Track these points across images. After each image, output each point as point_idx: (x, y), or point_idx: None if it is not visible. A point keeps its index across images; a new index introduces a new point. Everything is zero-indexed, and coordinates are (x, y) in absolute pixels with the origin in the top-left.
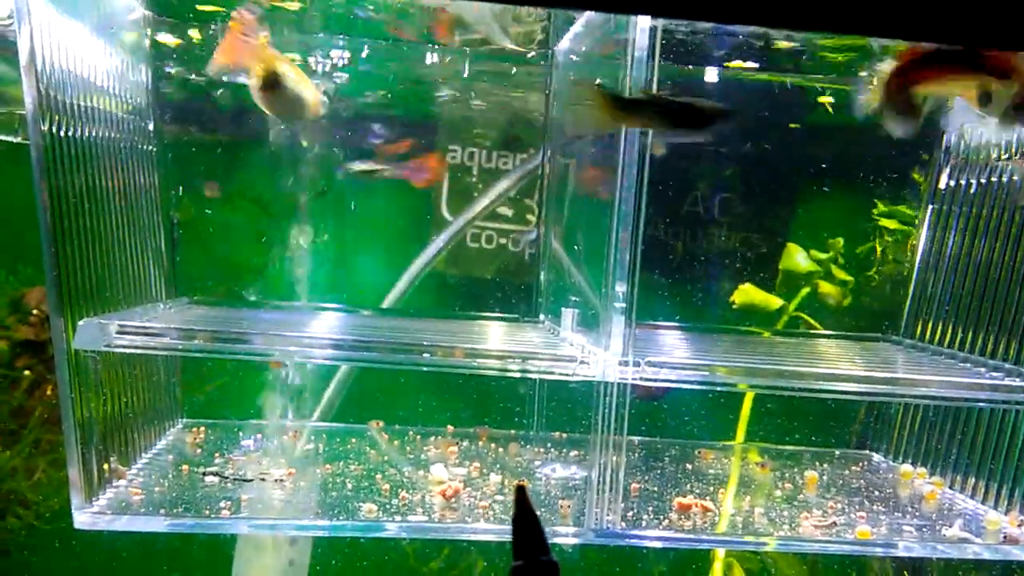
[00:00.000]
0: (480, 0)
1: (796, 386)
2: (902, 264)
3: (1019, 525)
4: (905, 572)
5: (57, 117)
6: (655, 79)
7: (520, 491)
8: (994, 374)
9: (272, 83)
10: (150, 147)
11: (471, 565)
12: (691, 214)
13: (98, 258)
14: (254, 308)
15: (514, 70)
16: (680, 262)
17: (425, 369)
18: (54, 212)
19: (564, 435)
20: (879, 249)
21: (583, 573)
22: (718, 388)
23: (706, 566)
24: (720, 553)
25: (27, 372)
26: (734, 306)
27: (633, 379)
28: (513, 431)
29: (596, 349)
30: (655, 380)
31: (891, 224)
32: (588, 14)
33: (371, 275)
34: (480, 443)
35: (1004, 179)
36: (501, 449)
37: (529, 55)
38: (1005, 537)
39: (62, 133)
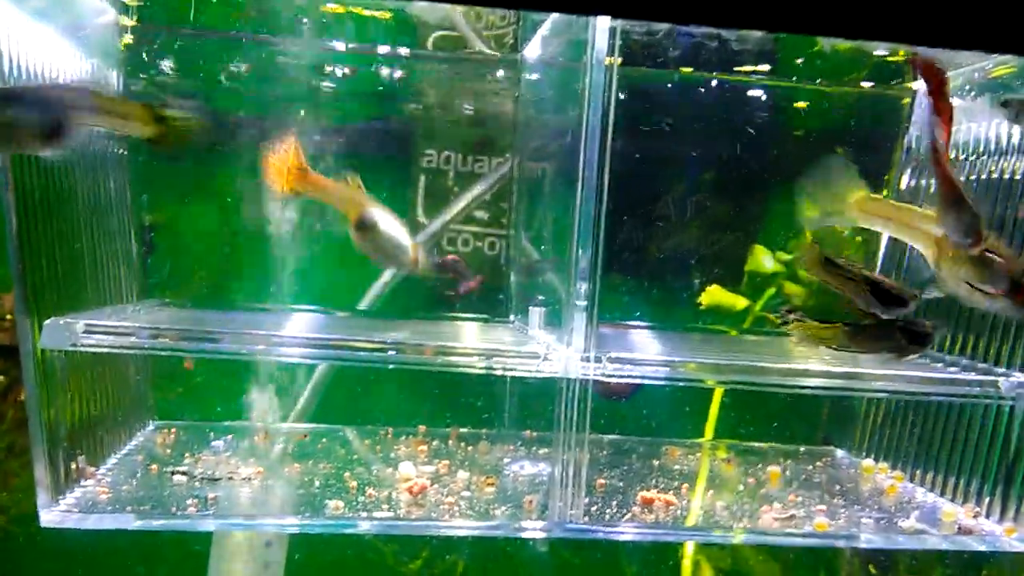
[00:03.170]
0: (443, 1)
1: (760, 381)
2: (865, 264)
3: (974, 516)
4: (871, 566)
5: None
6: (615, 81)
7: None
8: (951, 369)
9: (365, 225)
10: (120, 150)
11: (451, 566)
12: (663, 217)
13: (66, 260)
14: (227, 310)
15: (485, 73)
16: (651, 264)
17: (391, 367)
18: (19, 213)
19: (535, 434)
20: (842, 249)
21: (558, 573)
22: (679, 383)
23: (678, 565)
24: (688, 550)
25: (1, 377)
26: (701, 307)
27: (595, 375)
28: (484, 430)
29: (560, 346)
30: (618, 376)
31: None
32: (553, 17)
33: (346, 277)
34: (451, 442)
35: (962, 179)
36: (471, 447)
37: (499, 59)
38: (960, 528)
39: None
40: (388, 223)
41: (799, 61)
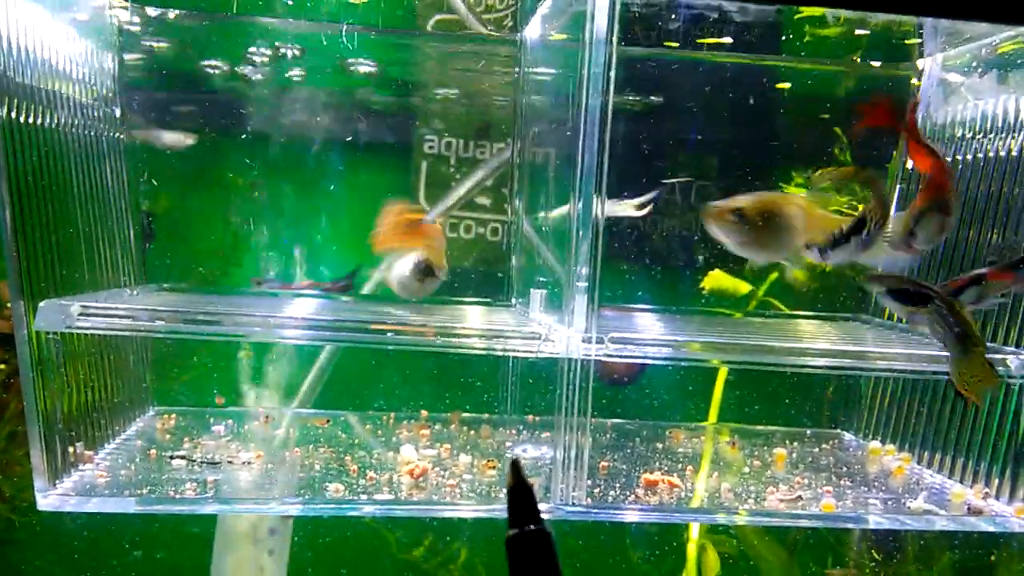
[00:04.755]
0: None
1: (764, 360)
2: None
3: (984, 497)
4: (874, 552)
5: (16, 101)
6: (614, 58)
7: (514, 464)
8: None
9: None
10: (117, 134)
11: (454, 553)
12: (668, 202)
13: (62, 243)
14: (227, 294)
15: (485, 56)
16: (655, 247)
17: (390, 348)
18: (14, 196)
19: (537, 418)
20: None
21: (563, 559)
22: (682, 363)
23: (683, 550)
24: (693, 535)
25: (2, 365)
26: (704, 291)
27: (597, 355)
28: (487, 415)
29: (561, 327)
30: (620, 356)
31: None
32: None
33: (351, 263)
34: (452, 426)
35: (969, 158)
36: (473, 432)
37: (499, 40)
38: (969, 508)
39: (22, 118)
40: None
41: (799, 30)
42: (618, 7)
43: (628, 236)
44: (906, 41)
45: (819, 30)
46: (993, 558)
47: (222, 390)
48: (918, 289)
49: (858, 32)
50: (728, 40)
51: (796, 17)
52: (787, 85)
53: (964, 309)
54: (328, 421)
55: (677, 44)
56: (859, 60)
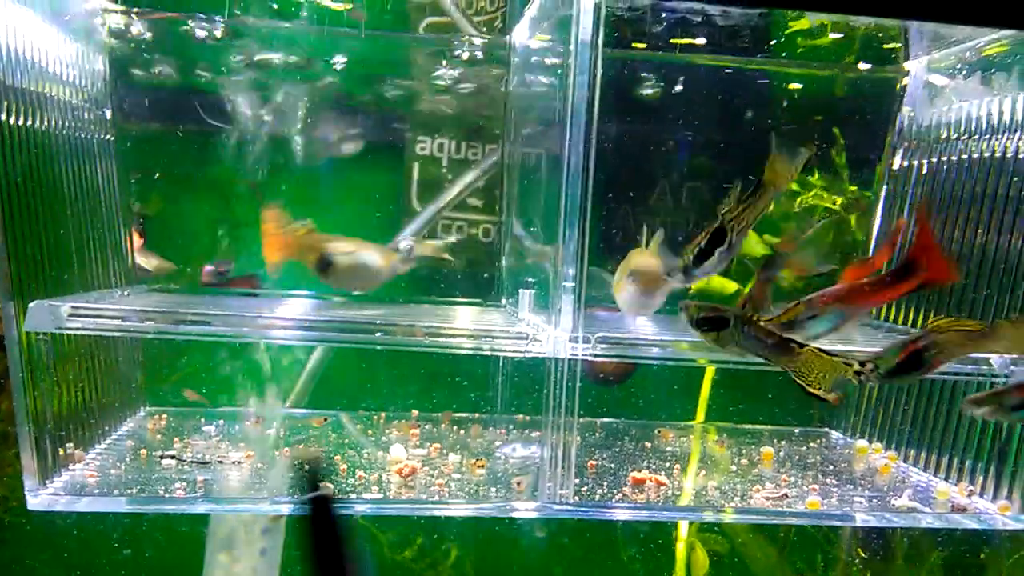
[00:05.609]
0: None
1: (752, 360)
2: (858, 243)
3: (968, 495)
4: (859, 550)
5: (7, 103)
6: (599, 60)
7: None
8: None
9: (325, 265)
10: (108, 136)
11: (444, 554)
12: (657, 201)
13: (53, 245)
14: (218, 295)
15: (476, 58)
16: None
17: (380, 348)
18: (4, 197)
19: (527, 417)
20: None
21: (552, 558)
22: (669, 363)
23: (673, 549)
24: (683, 533)
25: None
26: (690, 291)
27: (583, 355)
28: (477, 414)
29: (548, 327)
30: (606, 356)
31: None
32: None
33: None
34: (443, 426)
35: (954, 159)
36: (463, 431)
37: (489, 43)
38: (953, 506)
39: (12, 120)
40: (349, 253)
41: (791, 42)
42: (603, 11)
43: (619, 237)
44: (891, 45)
45: (809, 40)
46: (983, 555)
47: (213, 388)
48: (717, 314)
49: (849, 37)
50: (702, 41)
51: (787, 32)
52: (776, 87)
53: (763, 321)
54: (325, 420)
55: (663, 47)
56: (848, 64)
